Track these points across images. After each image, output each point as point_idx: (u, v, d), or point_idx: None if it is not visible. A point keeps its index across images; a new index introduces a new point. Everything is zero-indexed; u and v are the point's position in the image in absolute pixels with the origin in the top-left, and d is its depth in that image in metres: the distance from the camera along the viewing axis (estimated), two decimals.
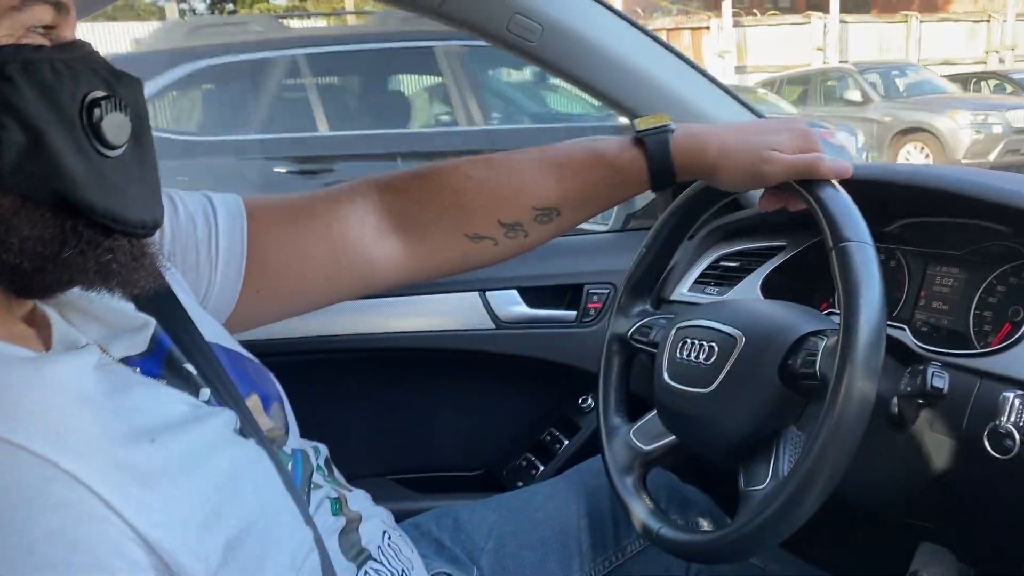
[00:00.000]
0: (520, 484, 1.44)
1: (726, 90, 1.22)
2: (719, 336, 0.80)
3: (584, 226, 1.68)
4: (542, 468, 1.46)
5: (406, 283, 0.85)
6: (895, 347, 0.82)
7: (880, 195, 0.89)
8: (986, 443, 0.70)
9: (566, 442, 1.45)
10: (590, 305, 1.38)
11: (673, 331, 0.86)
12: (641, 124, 0.79)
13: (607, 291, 1.38)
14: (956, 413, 0.74)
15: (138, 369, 0.58)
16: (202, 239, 0.75)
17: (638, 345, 0.94)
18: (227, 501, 0.52)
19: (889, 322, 0.83)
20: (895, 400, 0.75)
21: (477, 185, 0.81)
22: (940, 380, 0.71)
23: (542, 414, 1.49)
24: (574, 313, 1.39)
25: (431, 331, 1.37)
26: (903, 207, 0.93)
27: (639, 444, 0.91)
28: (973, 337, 0.84)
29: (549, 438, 1.47)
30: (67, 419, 0.47)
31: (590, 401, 1.44)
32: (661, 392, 0.86)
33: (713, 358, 0.79)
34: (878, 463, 0.79)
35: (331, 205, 0.81)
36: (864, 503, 0.88)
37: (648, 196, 1.43)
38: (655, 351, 0.89)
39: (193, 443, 0.53)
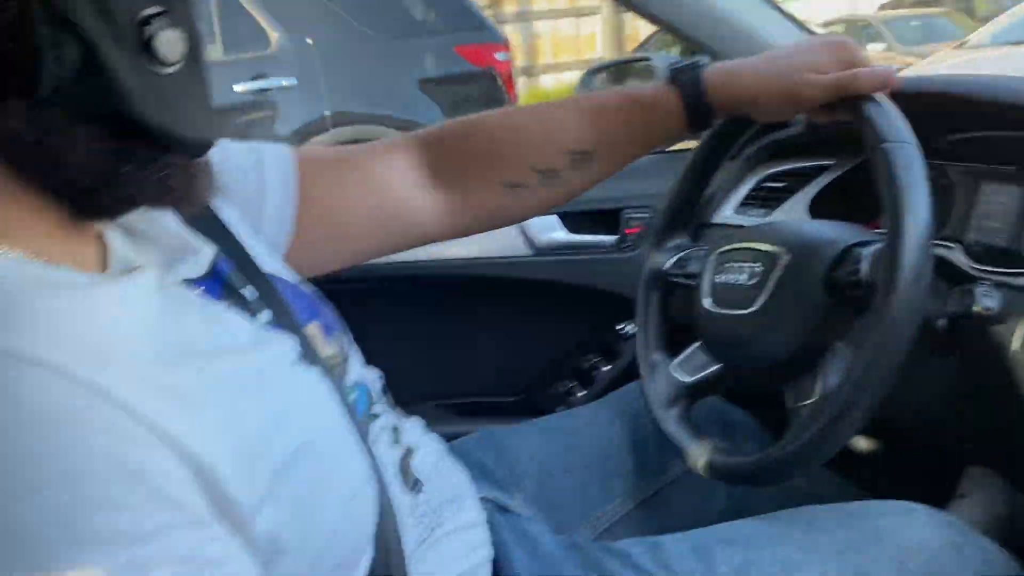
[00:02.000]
0: (560, 409, 1.45)
1: (792, 19, 1.18)
2: (760, 255, 0.78)
3: None
4: (582, 393, 1.47)
5: (448, 236, 0.86)
6: (945, 266, 0.80)
7: (929, 108, 0.86)
8: None
9: (606, 368, 1.45)
10: (628, 231, 1.37)
11: (713, 257, 0.84)
12: (677, 65, 0.78)
13: (646, 215, 1.36)
14: (1007, 334, 0.73)
15: (202, 289, 0.59)
16: (252, 188, 0.76)
17: (676, 279, 0.93)
18: (282, 431, 0.52)
19: (939, 240, 0.81)
20: (943, 322, 0.73)
21: (511, 132, 0.82)
22: (990, 300, 0.69)
23: (581, 340, 1.49)
24: (613, 238, 1.38)
25: (469, 258, 1.37)
26: (954, 120, 0.89)
27: (682, 378, 0.91)
28: None
29: (588, 364, 1.48)
30: (114, 344, 0.47)
31: (630, 327, 1.44)
32: (703, 319, 0.85)
33: (756, 278, 0.78)
34: (926, 384, 0.78)
35: (375, 157, 0.82)
36: (911, 425, 0.88)
37: None
38: (694, 283, 0.88)
39: (249, 369, 0.54)
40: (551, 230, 1.38)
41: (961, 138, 0.90)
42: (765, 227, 0.83)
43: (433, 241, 0.87)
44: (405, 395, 0.85)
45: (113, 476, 0.42)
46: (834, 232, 0.76)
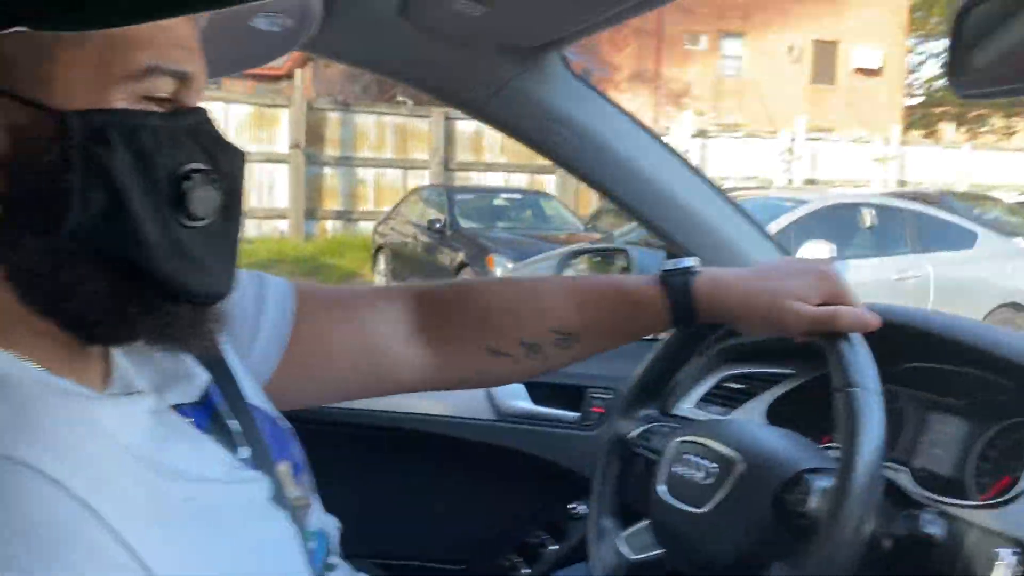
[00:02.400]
0: None
1: (743, 212, 1.26)
2: (719, 457, 0.80)
3: None
4: (526, 571, 1.43)
5: (426, 389, 0.89)
6: (892, 489, 0.82)
7: (889, 336, 0.91)
8: None
9: (552, 547, 1.43)
10: (593, 408, 1.39)
11: (674, 443, 0.86)
12: (667, 265, 0.82)
13: (610, 396, 1.38)
14: (948, 562, 0.74)
15: (192, 421, 0.60)
16: (250, 315, 0.78)
17: (639, 450, 0.95)
18: (249, 572, 0.52)
19: (888, 463, 0.84)
20: (888, 543, 0.74)
21: (505, 304, 0.85)
22: (934, 527, 0.71)
23: (532, 514, 1.47)
24: (576, 415, 1.39)
25: (430, 415, 1.37)
26: (910, 350, 0.94)
27: (627, 553, 0.91)
28: (972, 487, 0.84)
29: (536, 540, 1.45)
30: (109, 464, 0.48)
31: (581, 508, 1.43)
32: (655, 504, 0.86)
33: (711, 478, 0.80)
34: None
35: (370, 304, 0.85)
36: None
37: None
38: (655, 458, 0.90)
39: (228, 505, 0.55)
40: (516, 398, 1.40)
41: (914, 367, 0.95)
42: (726, 426, 0.86)
43: (410, 390, 0.89)
44: (346, 548, 0.84)
45: None
46: (789, 450, 0.79)
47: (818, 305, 0.76)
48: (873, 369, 0.71)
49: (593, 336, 0.84)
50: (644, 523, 0.91)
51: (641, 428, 0.96)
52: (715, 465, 0.81)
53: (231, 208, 0.55)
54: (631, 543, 0.92)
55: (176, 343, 0.55)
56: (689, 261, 0.82)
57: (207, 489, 0.54)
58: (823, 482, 0.72)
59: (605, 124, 1.17)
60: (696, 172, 1.23)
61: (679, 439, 0.87)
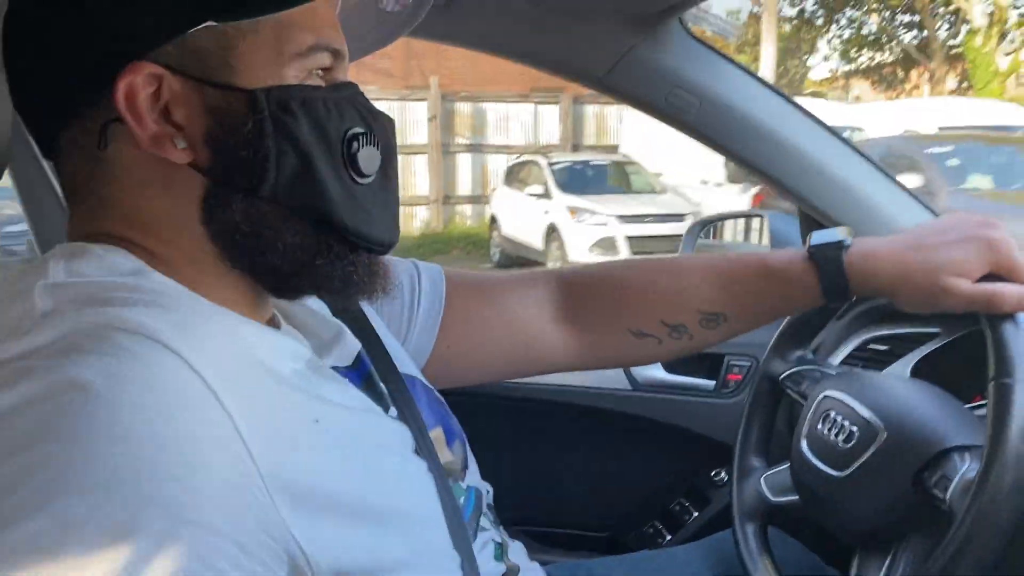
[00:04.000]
0: (645, 551, 1.42)
1: (888, 176, 1.21)
2: (862, 422, 0.79)
3: None
4: (669, 537, 1.44)
5: (573, 369, 0.91)
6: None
7: None
8: None
9: (695, 513, 1.43)
10: (730, 376, 1.37)
11: (820, 397, 0.85)
12: (816, 238, 0.79)
13: (748, 364, 1.37)
14: None
15: (345, 379, 0.65)
16: (406, 302, 0.84)
17: (788, 391, 0.94)
18: (378, 503, 0.56)
19: None
20: None
21: (643, 284, 0.85)
22: None
23: (673, 482, 1.48)
24: (713, 382, 1.39)
25: (567, 386, 1.40)
26: None
27: (767, 493, 0.92)
28: None
29: (678, 507, 1.46)
30: (250, 372, 0.53)
31: (723, 475, 1.42)
32: (796, 458, 0.86)
33: (852, 443, 0.79)
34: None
35: (515, 290, 0.89)
36: None
37: None
38: (803, 402, 0.90)
39: (369, 436, 0.60)
40: (652, 367, 1.40)
41: None
42: (873, 387, 0.83)
43: (557, 371, 0.91)
44: (498, 513, 0.88)
45: (225, 507, 0.46)
46: (936, 420, 0.75)
47: (982, 278, 0.71)
48: None
49: (741, 316, 0.83)
50: (786, 465, 0.91)
51: (792, 369, 0.95)
52: (856, 429, 0.79)
53: (388, 167, 0.62)
54: (771, 484, 0.92)
55: (357, 289, 0.61)
56: (839, 233, 0.78)
57: (347, 417, 0.59)
58: (967, 468, 0.69)
59: (732, 88, 1.15)
60: (834, 134, 1.19)
61: (824, 393, 0.85)
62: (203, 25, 0.54)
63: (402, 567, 0.57)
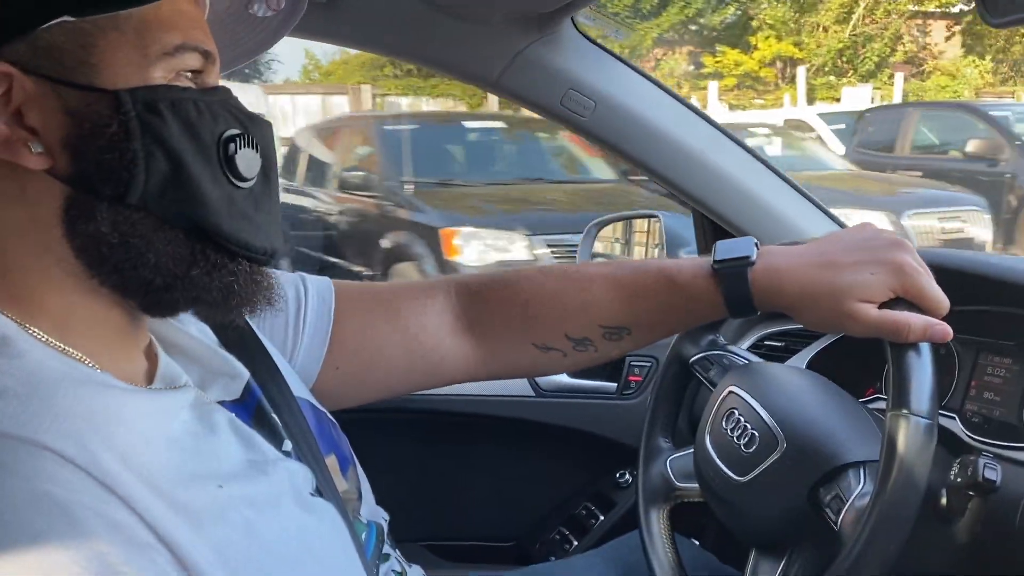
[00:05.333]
0: (552, 558, 1.41)
1: (780, 175, 1.23)
2: (763, 429, 0.80)
3: None
4: (575, 543, 1.43)
5: (475, 380, 0.87)
6: (945, 437, 0.80)
7: (939, 280, 0.89)
8: None
9: (601, 517, 1.43)
10: (631, 378, 1.38)
11: (725, 392, 0.86)
12: (721, 250, 0.75)
13: (649, 364, 1.37)
14: (1008, 508, 0.72)
15: (233, 414, 0.61)
16: (291, 315, 0.79)
17: (698, 375, 0.95)
18: (290, 562, 0.53)
19: (940, 410, 0.82)
20: (944, 491, 0.73)
21: (547, 298, 0.81)
22: (992, 472, 0.69)
23: (578, 487, 1.47)
24: (615, 384, 1.38)
25: (470, 395, 1.37)
26: (957, 294, 0.91)
27: (673, 478, 0.93)
28: None
29: (584, 512, 1.45)
30: (137, 451, 0.49)
31: (628, 476, 1.42)
32: (700, 452, 0.87)
33: (752, 448, 0.80)
34: (926, 556, 0.77)
35: (413, 300, 0.84)
36: None
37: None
38: (711, 388, 0.91)
39: (267, 493, 0.56)
40: None
41: (964, 310, 0.92)
42: (775, 389, 0.84)
43: (457, 382, 0.87)
44: (396, 534, 0.84)
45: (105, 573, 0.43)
46: (832, 436, 0.76)
47: (888, 301, 0.68)
48: (935, 395, 0.65)
49: (645, 329, 0.81)
50: (691, 450, 0.91)
51: (702, 354, 0.95)
52: (758, 435, 0.80)
53: (270, 171, 0.59)
54: (676, 468, 0.93)
55: (238, 301, 0.57)
56: (745, 245, 0.74)
57: (245, 478, 0.55)
58: (860, 489, 0.70)
59: (627, 90, 1.15)
60: (727, 134, 1.21)
61: (730, 388, 0.86)
62: (56, 21, 0.50)
63: None
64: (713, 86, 13.78)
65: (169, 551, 0.46)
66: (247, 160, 0.56)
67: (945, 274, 0.89)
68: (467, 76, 1.14)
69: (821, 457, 0.74)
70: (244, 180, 0.56)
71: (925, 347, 0.66)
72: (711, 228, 1.28)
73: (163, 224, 0.53)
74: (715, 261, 0.74)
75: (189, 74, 0.56)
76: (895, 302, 0.68)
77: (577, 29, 1.12)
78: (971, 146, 6.74)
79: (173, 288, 0.55)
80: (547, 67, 1.10)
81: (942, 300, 0.68)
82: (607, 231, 1.72)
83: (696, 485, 0.90)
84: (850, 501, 0.70)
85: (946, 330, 0.67)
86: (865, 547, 0.63)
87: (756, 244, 0.74)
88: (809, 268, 0.71)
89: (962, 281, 0.88)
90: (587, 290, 0.80)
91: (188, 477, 0.51)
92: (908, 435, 0.63)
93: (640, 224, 1.80)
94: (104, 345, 0.55)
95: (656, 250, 1.67)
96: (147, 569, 0.45)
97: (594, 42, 1.13)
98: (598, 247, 1.64)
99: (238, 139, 0.55)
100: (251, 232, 0.57)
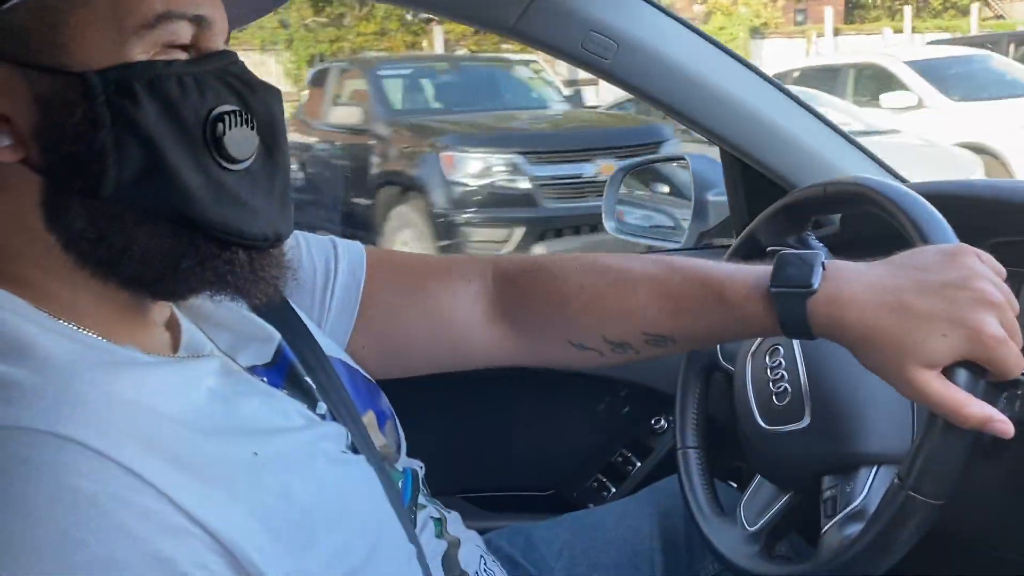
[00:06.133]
0: (591, 506, 1.42)
1: (816, 115, 1.19)
2: (796, 391, 0.81)
3: (656, 244, 1.66)
4: (613, 490, 1.44)
5: (506, 365, 0.84)
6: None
7: (968, 213, 0.86)
8: None
9: (638, 464, 1.43)
10: None
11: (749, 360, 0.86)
12: (781, 272, 0.66)
13: None
14: None
15: (264, 379, 0.60)
16: (319, 288, 0.77)
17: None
18: (330, 515, 0.53)
19: None
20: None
21: (587, 298, 0.77)
22: None
23: (614, 434, 1.47)
24: None
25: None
26: (993, 225, 0.89)
27: (719, 355, 0.94)
28: None
29: (621, 459, 1.45)
30: (162, 428, 0.48)
31: (663, 423, 1.42)
32: (739, 375, 0.88)
33: (783, 403, 0.81)
34: (971, 492, 0.76)
35: (447, 283, 0.81)
36: (957, 534, 0.84)
37: (723, 213, 1.40)
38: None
39: (300, 452, 0.55)
40: None
41: (1002, 242, 0.89)
42: (823, 350, 0.82)
43: (487, 367, 0.85)
44: (434, 486, 0.85)
45: (146, 564, 0.42)
46: (859, 422, 0.76)
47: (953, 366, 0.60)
48: (953, 484, 0.61)
49: (689, 340, 0.77)
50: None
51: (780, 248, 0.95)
52: (790, 395, 0.80)
53: (273, 147, 0.54)
54: (725, 348, 0.93)
55: (236, 291, 0.55)
56: (808, 268, 0.65)
57: (277, 440, 0.54)
58: (855, 507, 0.71)
59: (650, 30, 1.11)
60: (755, 70, 1.17)
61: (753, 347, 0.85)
62: None
63: (360, 571, 0.53)
64: None
65: (206, 532, 0.45)
66: (239, 140, 0.52)
67: (979, 204, 0.87)
68: (483, 22, 1.11)
69: (838, 445, 0.74)
70: (237, 162, 0.52)
71: (959, 436, 0.60)
72: (741, 170, 1.25)
73: (144, 216, 0.50)
74: (773, 284, 0.67)
75: (180, 46, 0.51)
76: (962, 364, 0.61)
77: None
78: None
79: (163, 280, 0.52)
80: (565, 9, 1.07)
81: (1015, 370, 0.60)
82: (636, 176, 1.70)
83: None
84: (843, 514, 0.70)
85: (1006, 430, 0.60)
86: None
87: (823, 263, 0.66)
88: (877, 308, 0.62)
89: (998, 211, 0.86)
90: (632, 296, 0.75)
91: (219, 447, 0.50)
92: (911, 517, 0.61)
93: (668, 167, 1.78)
94: (119, 323, 0.54)
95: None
96: (184, 555, 0.44)
97: None
98: (624, 192, 1.61)
99: (229, 117, 0.51)
100: (246, 218, 0.52)
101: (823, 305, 0.64)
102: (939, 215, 0.68)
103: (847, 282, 0.64)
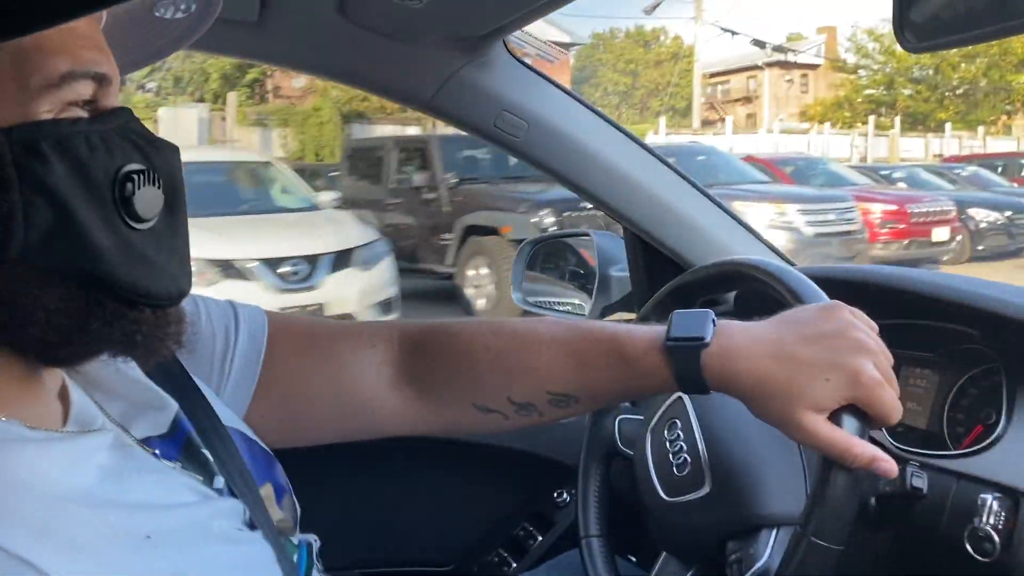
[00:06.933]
0: None
1: (708, 196, 1.26)
2: (695, 460, 0.83)
3: (558, 316, 1.69)
4: (514, 565, 1.42)
5: (410, 434, 0.83)
6: (873, 446, 0.83)
7: (853, 296, 0.92)
8: (967, 545, 0.70)
9: (540, 538, 1.42)
10: None
11: (675, 397, 0.88)
12: (677, 326, 0.70)
13: None
14: (934, 514, 0.75)
15: (157, 451, 0.58)
16: (218, 354, 0.75)
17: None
18: None
19: None
20: (873, 500, 0.75)
21: (492, 358, 0.78)
22: (919, 480, 0.71)
23: (515, 508, 1.46)
24: None
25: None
26: (876, 309, 0.95)
27: (618, 439, 0.96)
28: (947, 438, 0.85)
29: (522, 533, 1.44)
30: (53, 511, 0.46)
31: (566, 496, 1.42)
32: (639, 451, 0.89)
33: (683, 473, 0.83)
34: (857, 563, 0.79)
35: (351, 347, 0.80)
36: None
37: (625, 287, 1.45)
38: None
39: (195, 531, 0.53)
40: None
41: (884, 324, 0.96)
42: (718, 414, 0.85)
43: (392, 435, 0.83)
44: (329, 561, 0.82)
45: None
46: (758, 486, 0.78)
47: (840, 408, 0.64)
48: (849, 524, 0.64)
49: (591, 398, 0.78)
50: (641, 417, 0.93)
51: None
52: (690, 463, 0.83)
53: (174, 205, 0.54)
54: (623, 430, 0.95)
55: (142, 351, 0.53)
56: (700, 323, 0.69)
57: (171, 518, 0.52)
58: (758, 568, 0.73)
59: (558, 112, 1.16)
60: (655, 155, 1.23)
61: (680, 393, 0.87)
62: None
63: None
64: None
65: None
66: (147, 199, 0.50)
67: (868, 289, 0.93)
68: (400, 97, 1.14)
69: (739, 510, 0.77)
70: (143, 221, 0.51)
71: (853, 479, 0.64)
72: (642, 247, 1.30)
73: (50, 277, 0.48)
74: (668, 338, 0.70)
75: (81, 103, 0.50)
76: (846, 409, 0.65)
77: (509, 52, 1.13)
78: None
79: (70, 343, 0.50)
80: (480, 88, 1.11)
81: (894, 412, 0.64)
82: (541, 250, 1.73)
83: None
84: (750, 573, 0.73)
85: (890, 469, 0.64)
86: None
87: (713, 320, 0.70)
88: (764, 360, 0.66)
89: (885, 295, 0.92)
90: (535, 355, 0.76)
91: (112, 527, 0.48)
92: (814, 562, 0.63)
93: (574, 242, 1.82)
94: (7, 393, 0.51)
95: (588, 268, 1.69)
96: None
97: (525, 64, 1.15)
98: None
99: (138, 176, 0.50)
100: (152, 277, 0.52)
101: (716, 357, 0.68)
102: (811, 282, 0.74)
103: (736, 336, 0.69)
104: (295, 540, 0.69)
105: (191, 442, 0.62)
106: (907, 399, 0.91)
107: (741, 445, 0.81)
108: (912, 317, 0.92)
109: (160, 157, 0.53)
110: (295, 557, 0.66)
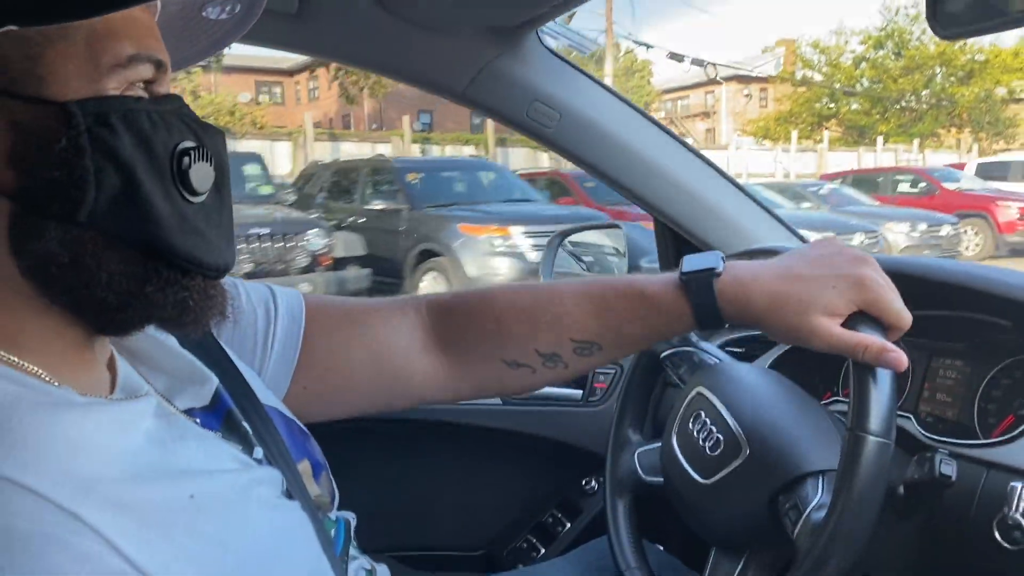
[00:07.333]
0: (520, 566, 1.42)
1: (739, 187, 1.26)
2: (728, 434, 0.82)
3: None
4: (543, 551, 1.44)
5: (446, 400, 0.87)
6: (901, 436, 0.83)
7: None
8: (995, 533, 0.71)
9: (568, 524, 1.44)
10: (596, 385, 1.39)
11: (694, 393, 0.89)
12: (688, 263, 0.75)
13: (613, 371, 1.39)
14: (963, 502, 0.75)
15: (198, 420, 0.60)
16: (260, 331, 0.78)
17: (668, 371, 0.98)
18: (263, 565, 0.53)
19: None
20: (902, 488, 0.75)
21: (518, 313, 0.81)
22: (948, 467, 0.71)
23: (544, 495, 1.48)
24: (580, 391, 1.40)
25: (436, 404, 1.37)
26: (909, 300, 0.95)
27: (640, 470, 0.96)
28: (977, 428, 0.85)
29: (551, 520, 1.46)
30: (100, 470, 0.48)
31: (594, 483, 1.44)
32: (666, 451, 0.89)
33: (717, 451, 0.82)
34: (885, 551, 0.79)
35: (384, 317, 0.84)
36: None
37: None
38: (681, 386, 0.93)
39: (235, 497, 0.55)
40: None
41: (916, 315, 0.96)
42: (742, 392, 0.86)
43: (428, 402, 0.86)
44: (363, 544, 0.84)
45: None
46: (794, 445, 0.78)
47: (853, 315, 0.69)
48: (892, 415, 0.66)
49: (614, 343, 0.80)
50: (658, 445, 0.93)
51: (673, 350, 0.98)
52: (723, 439, 0.82)
53: (222, 184, 0.57)
54: (644, 461, 0.96)
55: (192, 317, 0.56)
56: (712, 258, 0.75)
57: (213, 483, 0.54)
58: (818, 500, 0.73)
59: (590, 102, 1.17)
60: (688, 147, 1.23)
61: (698, 388, 0.88)
62: (2, 29, 0.47)
63: None
64: None
65: (140, 574, 0.45)
66: (201, 174, 0.54)
67: (900, 279, 0.93)
68: (434, 87, 1.16)
69: (782, 466, 0.76)
70: (197, 195, 0.54)
71: (883, 375, 0.67)
72: (672, 237, 1.31)
73: (114, 242, 0.51)
74: (682, 273, 0.75)
75: (142, 84, 0.54)
76: (859, 317, 0.69)
77: (542, 43, 1.14)
78: None
79: (127, 307, 0.53)
80: (513, 79, 1.12)
81: (903, 315, 0.69)
82: (569, 241, 1.74)
83: (662, 479, 0.92)
84: (807, 512, 0.72)
85: (900, 359, 0.67)
86: (816, 563, 0.65)
87: (723, 257, 0.75)
88: (774, 280, 0.71)
89: (916, 286, 0.92)
90: (558, 304, 0.80)
91: (157, 491, 0.50)
92: (865, 455, 0.65)
93: (602, 234, 1.83)
94: (62, 360, 0.54)
95: (617, 260, 1.70)
96: None
97: (558, 55, 1.16)
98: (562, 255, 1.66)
99: (192, 152, 0.54)
100: (204, 248, 0.55)
101: (729, 284, 0.73)
102: (889, 399, 0.74)
103: (746, 267, 0.74)
104: (332, 516, 0.71)
105: (231, 415, 0.64)
106: (938, 390, 0.91)
107: (770, 410, 0.83)
108: (944, 308, 0.92)
109: (210, 138, 0.56)
110: (332, 532, 0.68)
